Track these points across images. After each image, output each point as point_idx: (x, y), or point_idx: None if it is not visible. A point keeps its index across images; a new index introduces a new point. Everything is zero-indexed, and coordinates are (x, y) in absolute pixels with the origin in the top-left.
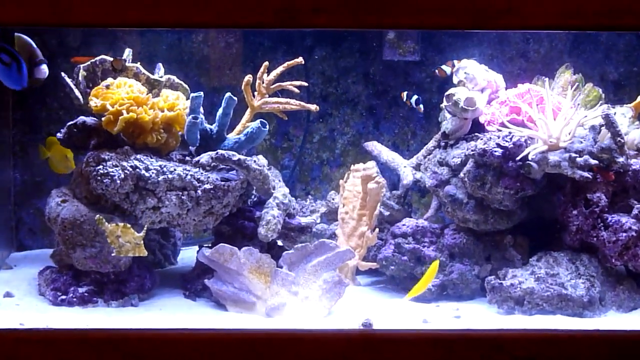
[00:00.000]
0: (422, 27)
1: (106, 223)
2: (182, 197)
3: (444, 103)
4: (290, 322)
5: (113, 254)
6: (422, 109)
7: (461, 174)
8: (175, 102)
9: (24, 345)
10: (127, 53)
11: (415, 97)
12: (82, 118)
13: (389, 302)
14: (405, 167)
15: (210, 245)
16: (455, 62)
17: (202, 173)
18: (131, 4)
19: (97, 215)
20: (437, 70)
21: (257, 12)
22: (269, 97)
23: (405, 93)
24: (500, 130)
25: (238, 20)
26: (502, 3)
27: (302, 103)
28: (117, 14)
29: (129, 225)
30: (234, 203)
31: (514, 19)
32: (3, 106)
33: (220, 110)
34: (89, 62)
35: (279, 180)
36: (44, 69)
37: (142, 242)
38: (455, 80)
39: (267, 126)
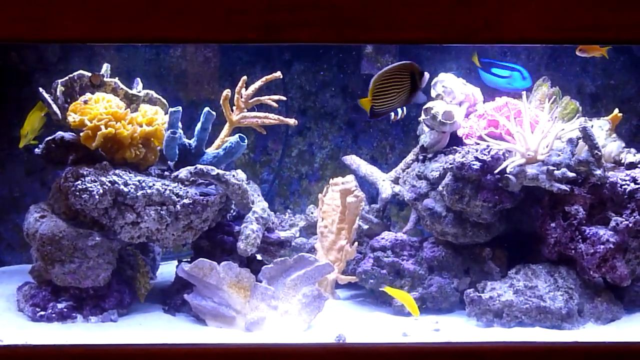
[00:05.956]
0: (403, 42)
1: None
2: (161, 212)
3: (422, 116)
4: (270, 336)
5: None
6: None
7: (440, 187)
8: (153, 117)
9: None
10: (106, 68)
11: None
12: (60, 133)
13: (369, 315)
14: (384, 180)
15: (189, 260)
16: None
17: (181, 188)
18: (113, 20)
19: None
20: None
21: (241, 28)
22: (248, 111)
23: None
24: (479, 144)
25: (222, 35)
26: (482, 18)
27: (281, 117)
28: (98, 30)
29: (150, 275)
30: (213, 218)
31: (495, 33)
32: None
33: (199, 125)
34: (67, 78)
35: (258, 195)
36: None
37: (146, 292)
38: (433, 93)
39: (246, 140)
